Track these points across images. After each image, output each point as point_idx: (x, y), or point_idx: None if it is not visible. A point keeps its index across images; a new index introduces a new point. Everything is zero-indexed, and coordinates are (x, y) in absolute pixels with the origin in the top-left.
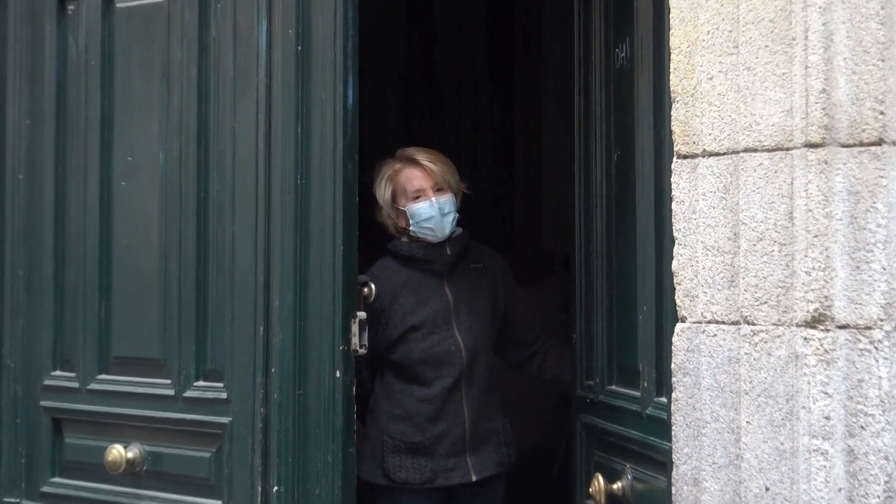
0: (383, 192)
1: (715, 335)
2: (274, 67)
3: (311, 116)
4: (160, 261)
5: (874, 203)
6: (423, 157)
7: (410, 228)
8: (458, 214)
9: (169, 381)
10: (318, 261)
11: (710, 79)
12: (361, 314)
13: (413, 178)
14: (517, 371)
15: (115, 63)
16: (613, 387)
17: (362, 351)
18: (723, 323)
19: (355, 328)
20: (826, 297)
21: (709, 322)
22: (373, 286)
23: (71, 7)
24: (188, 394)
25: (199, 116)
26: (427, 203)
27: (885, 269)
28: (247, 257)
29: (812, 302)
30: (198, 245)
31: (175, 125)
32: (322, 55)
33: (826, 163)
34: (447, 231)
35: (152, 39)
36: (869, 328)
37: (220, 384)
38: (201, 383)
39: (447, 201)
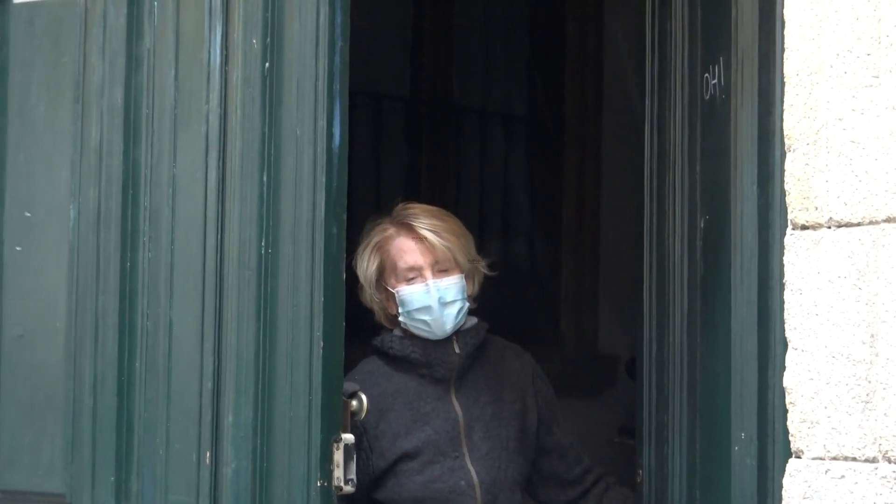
0: (367, 264)
1: (843, 477)
2: (231, 92)
3: (283, 161)
4: (67, 358)
5: None
6: (423, 222)
7: (401, 319)
8: (468, 304)
9: None
10: (288, 361)
11: (840, 120)
12: (348, 437)
13: (406, 250)
14: None
15: (9, 81)
16: None
17: (348, 489)
18: (854, 460)
19: (339, 457)
20: None
21: (834, 458)
22: (364, 398)
23: None
24: None
25: (125, 157)
26: (422, 287)
27: None
28: (189, 355)
29: None
30: (120, 336)
31: (92, 169)
32: (298, 75)
33: None
34: (448, 328)
35: (62, 49)
36: None
37: None
38: None
39: (452, 286)
